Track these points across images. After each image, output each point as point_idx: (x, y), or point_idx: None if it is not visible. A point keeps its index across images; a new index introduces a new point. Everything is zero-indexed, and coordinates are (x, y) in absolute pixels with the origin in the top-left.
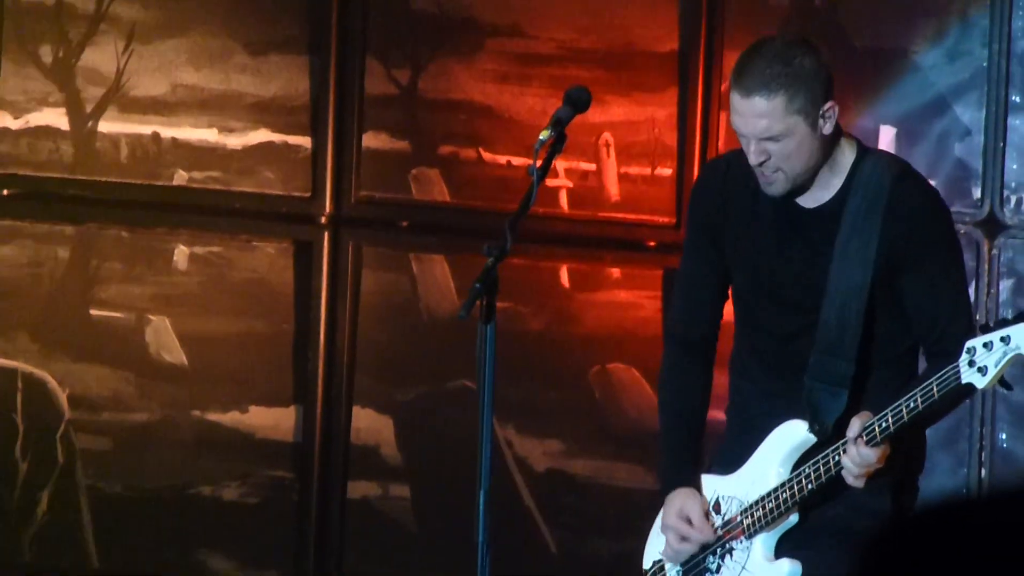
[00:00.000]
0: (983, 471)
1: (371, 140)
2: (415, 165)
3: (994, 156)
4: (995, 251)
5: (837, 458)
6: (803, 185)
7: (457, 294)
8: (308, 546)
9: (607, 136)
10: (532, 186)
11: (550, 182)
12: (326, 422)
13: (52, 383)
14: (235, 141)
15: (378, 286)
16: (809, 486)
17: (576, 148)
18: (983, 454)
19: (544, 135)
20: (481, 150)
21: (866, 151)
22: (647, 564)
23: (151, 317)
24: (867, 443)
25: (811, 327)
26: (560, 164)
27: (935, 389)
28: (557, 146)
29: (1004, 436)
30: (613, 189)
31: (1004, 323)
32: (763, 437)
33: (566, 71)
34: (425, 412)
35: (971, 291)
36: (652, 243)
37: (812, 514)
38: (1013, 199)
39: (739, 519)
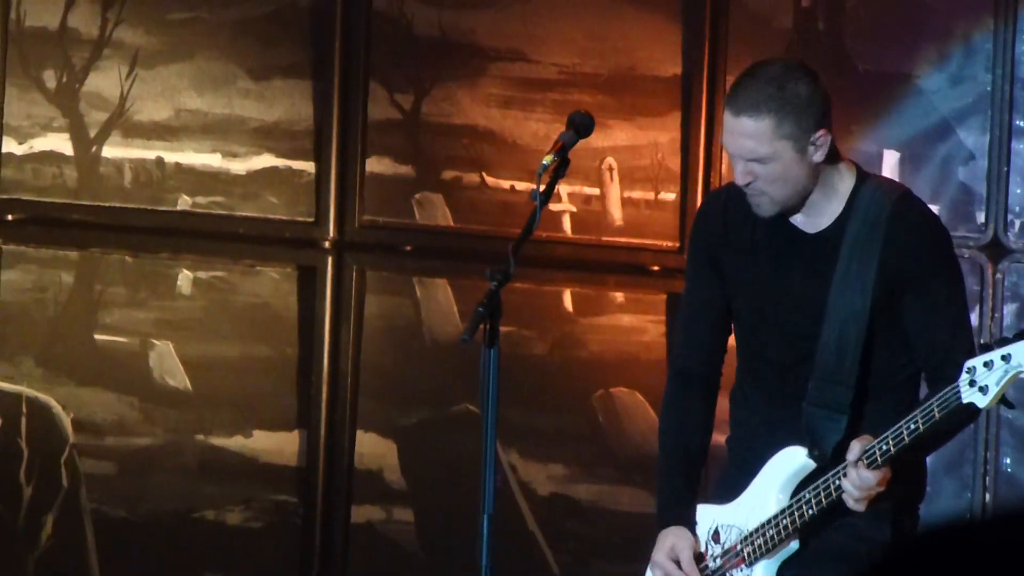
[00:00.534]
0: (987, 495)
1: (374, 165)
2: (418, 189)
3: (998, 180)
4: (999, 275)
5: (837, 482)
6: (793, 208)
7: (460, 318)
8: (312, 570)
9: (610, 160)
10: (535, 210)
11: (553, 206)
12: (330, 446)
13: (56, 407)
14: (238, 166)
15: (381, 310)
16: (810, 511)
17: (579, 172)
18: (987, 478)
19: (547, 160)
20: (484, 175)
21: (866, 176)
22: None
23: (155, 342)
24: (868, 466)
25: (811, 355)
26: (563, 188)
27: (936, 410)
28: (560, 171)
29: (1008, 460)
30: (616, 213)
31: (1004, 341)
32: (763, 466)
33: (569, 96)
34: (429, 436)
35: (975, 315)
36: (655, 267)
37: (813, 540)
38: (1017, 223)
39: (739, 548)
